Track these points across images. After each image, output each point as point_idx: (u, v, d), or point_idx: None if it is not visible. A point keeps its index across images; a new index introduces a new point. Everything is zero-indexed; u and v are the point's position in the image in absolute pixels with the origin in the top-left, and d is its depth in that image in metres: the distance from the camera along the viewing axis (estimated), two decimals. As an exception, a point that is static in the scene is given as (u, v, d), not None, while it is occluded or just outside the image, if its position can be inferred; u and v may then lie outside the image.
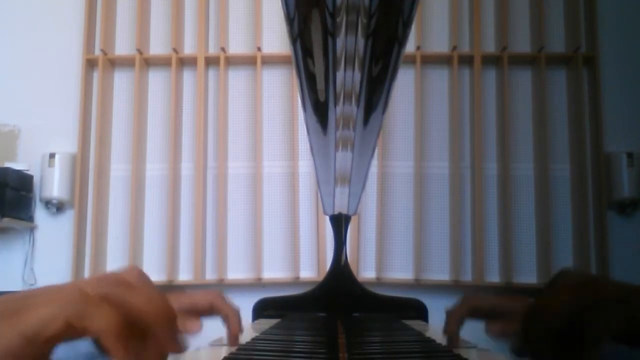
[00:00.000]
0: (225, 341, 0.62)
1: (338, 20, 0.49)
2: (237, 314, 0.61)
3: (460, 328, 0.60)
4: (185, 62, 3.30)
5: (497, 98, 3.23)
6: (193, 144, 3.22)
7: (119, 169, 3.24)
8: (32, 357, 0.28)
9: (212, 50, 3.28)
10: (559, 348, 0.37)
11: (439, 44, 3.26)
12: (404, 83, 3.18)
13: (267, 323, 1.00)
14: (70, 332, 0.28)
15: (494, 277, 3.09)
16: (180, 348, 0.34)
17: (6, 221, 2.95)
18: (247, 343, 0.63)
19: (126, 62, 3.26)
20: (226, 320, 0.61)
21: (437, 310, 1.26)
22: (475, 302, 0.59)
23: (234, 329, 0.60)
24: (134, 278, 0.34)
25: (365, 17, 0.49)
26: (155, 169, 3.24)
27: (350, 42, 0.53)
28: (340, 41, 0.52)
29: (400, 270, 3.11)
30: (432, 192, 3.17)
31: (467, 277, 3.09)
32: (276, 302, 1.18)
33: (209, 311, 0.60)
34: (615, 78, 3.21)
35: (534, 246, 3.12)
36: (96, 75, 3.25)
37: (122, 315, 0.29)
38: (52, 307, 0.28)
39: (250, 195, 3.19)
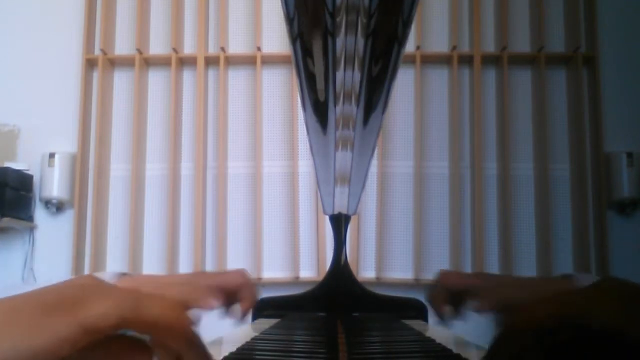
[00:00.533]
0: (224, 339, 0.61)
1: (338, 20, 0.49)
2: (254, 299, 0.64)
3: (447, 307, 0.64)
4: (185, 62, 3.30)
5: (497, 98, 3.23)
6: (193, 144, 3.22)
7: (119, 169, 3.24)
8: (86, 345, 0.31)
9: (212, 50, 3.28)
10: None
11: (439, 44, 3.26)
12: (404, 83, 3.17)
13: (267, 323, 1.00)
14: (127, 325, 0.32)
15: (494, 277, 3.08)
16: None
17: (6, 221, 2.95)
18: (247, 343, 0.63)
19: (126, 62, 3.26)
20: (242, 301, 0.63)
21: (437, 310, 1.26)
22: (451, 281, 0.66)
23: (245, 307, 0.62)
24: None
25: (365, 17, 0.49)
26: (155, 169, 3.24)
27: (350, 42, 0.53)
28: (340, 41, 0.52)
29: (400, 270, 3.11)
30: (432, 192, 3.17)
31: (467, 277, 3.08)
32: (276, 302, 1.18)
33: (235, 292, 0.63)
34: (615, 78, 3.21)
35: (534, 246, 3.12)
36: (96, 75, 3.25)
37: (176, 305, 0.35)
38: (109, 305, 0.31)
39: (250, 195, 3.19)
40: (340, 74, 0.59)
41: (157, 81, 3.32)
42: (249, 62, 3.26)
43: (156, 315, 0.33)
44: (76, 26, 3.28)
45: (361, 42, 0.53)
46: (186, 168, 3.23)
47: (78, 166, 3.14)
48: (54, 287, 0.34)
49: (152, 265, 3.14)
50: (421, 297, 1.19)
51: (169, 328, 0.34)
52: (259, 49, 3.21)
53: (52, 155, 3.13)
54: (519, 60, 3.23)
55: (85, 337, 0.30)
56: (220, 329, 0.65)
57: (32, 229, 3.19)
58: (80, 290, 0.33)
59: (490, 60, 3.24)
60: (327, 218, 1.23)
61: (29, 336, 0.29)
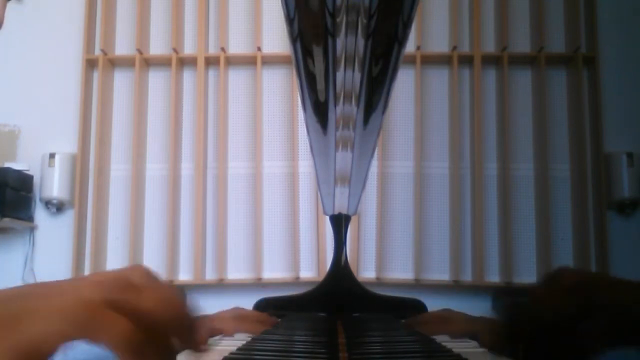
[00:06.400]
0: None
1: (338, 20, 0.49)
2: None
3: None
4: (185, 62, 3.30)
5: (497, 98, 3.23)
6: (193, 144, 3.22)
7: (119, 169, 3.24)
8: None
9: (212, 50, 3.28)
10: (548, 354, 0.33)
11: (439, 44, 3.26)
12: (404, 83, 3.18)
13: (267, 323, 1.00)
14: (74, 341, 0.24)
15: (494, 277, 3.09)
16: (198, 346, 0.32)
17: (6, 221, 2.95)
18: (247, 343, 0.63)
19: (126, 62, 3.26)
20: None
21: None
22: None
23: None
24: (139, 278, 0.31)
25: (365, 17, 0.49)
26: (155, 169, 3.24)
27: (350, 42, 0.53)
28: (340, 41, 0.52)
29: (400, 270, 3.11)
30: (432, 192, 3.17)
31: (467, 277, 3.09)
32: (276, 302, 1.18)
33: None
34: (615, 78, 3.21)
35: (534, 246, 3.12)
36: (96, 75, 3.25)
37: (131, 322, 0.26)
38: (53, 322, 0.24)
39: (250, 195, 3.19)
40: (340, 74, 0.59)
41: (157, 81, 3.32)
42: (249, 62, 3.26)
43: (114, 335, 0.25)
44: (76, 26, 3.28)
45: (361, 42, 0.53)
46: (186, 168, 3.23)
47: (78, 166, 3.14)
48: None
49: (152, 266, 3.13)
50: (421, 297, 1.19)
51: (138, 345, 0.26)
52: (259, 49, 3.21)
53: (52, 155, 3.13)
54: (519, 60, 3.23)
55: None
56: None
57: (32, 229, 3.19)
58: (17, 303, 0.25)
59: (490, 60, 3.23)
60: (327, 218, 1.22)
61: None
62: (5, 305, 0.25)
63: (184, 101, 3.29)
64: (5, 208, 2.91)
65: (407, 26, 0.51)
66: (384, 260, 3.11)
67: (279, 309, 1.16)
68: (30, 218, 3.17)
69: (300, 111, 2.35)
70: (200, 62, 3.23)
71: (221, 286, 3.10)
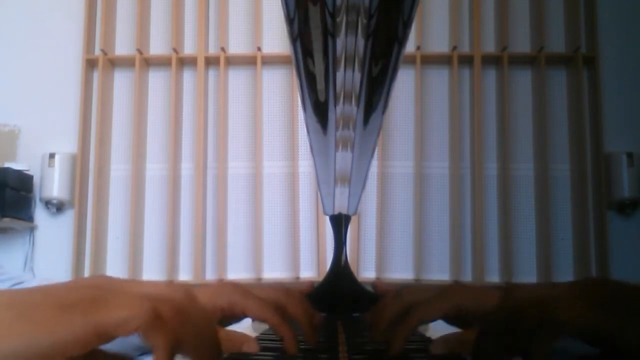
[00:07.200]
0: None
1: (338, 20, 0.49)
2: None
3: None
4: (185, 62, 3.30)
5: (497, 98, 3.23)
6: (193, 144, 3.22)
7: (119, 169, 3.24)
8: (93, 347, 0.30)
9: (212, 50, 3.28)
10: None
11: (439, 44, 3.26)
12: (404, 83, 3.18)
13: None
14: (141, 334, 0.31)
15: (494, 277, 3.09)
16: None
17: (6, 221, 2.95)
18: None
19: (126, 62, 3.26)
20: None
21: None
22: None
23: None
24: (180, 297, 0.36)
25: (365, 17, 0.49)
26: (155, 169, 3.24)
27: (350, 42, 0.53)
28: (340, 41, 0.52)
29: (400, 270, 3.11)
30: (432, 192, 3.17)
31: (467, 277, 3.09)
32: (276, 302, 1.18)
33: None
34: (615, 78, 3.21)
35: (534, 246, 3.12)
36: (96, 75, 3.25)
37: (175, 343, 0.33)
38: (128, 313, 0.30)
39: (250, 195, 3.19)
40: (340, 74, 0.59)
41: (157, 81, 3.32)
42: (249, 62, 3.26)
43: (177, 331, 0.32)
44: (76, 26, 3.28)
45: (361, 42, 0.53)
46: (186, 168, 3.23)
47: (78, 166, 3.14)
48: (73, 283, 0.33)
49: (152, 266, 3.14)
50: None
51: (191, 345, 0.34)
52: (259, 49, 3.21)
53: (52, 155, 3.13)
54: (519, 60, 3.23)
55: (96, 340, 0.29)
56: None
57: (32, 229, 3.19)
58: (99, 291, 0.32)
59: (490, 60, 3.23)
60: (327, 218, 1.22)
61: (43, 332, 0.28)
62: (92, 289, 0.31)
63: (184, 101, 3.29)
64: (5, 208, 2.91)
65: (407, 26, 0.51)
66: (384, 260, 3.11)
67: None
68: (30, 218, 3.17)
69: (300, 111, 2.35)
70: (200, 62, 3.23)
71: (221, 286, 3.10)
